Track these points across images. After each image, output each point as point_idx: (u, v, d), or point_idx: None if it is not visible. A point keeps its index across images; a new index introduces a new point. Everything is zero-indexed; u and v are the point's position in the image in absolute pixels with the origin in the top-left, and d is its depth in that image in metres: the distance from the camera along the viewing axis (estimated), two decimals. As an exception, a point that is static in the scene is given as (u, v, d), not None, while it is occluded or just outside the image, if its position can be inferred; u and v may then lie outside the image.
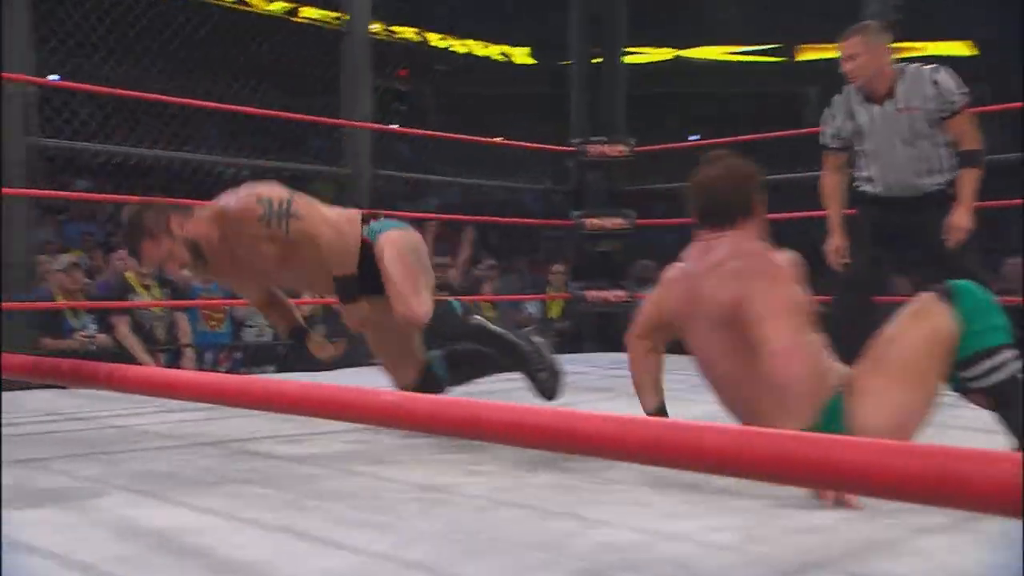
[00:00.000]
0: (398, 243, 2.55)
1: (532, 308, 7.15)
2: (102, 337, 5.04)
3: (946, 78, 3.14)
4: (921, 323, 1.89)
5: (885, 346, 1.91)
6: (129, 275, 5.23)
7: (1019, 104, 4.32)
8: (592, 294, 5.74)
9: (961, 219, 3.07)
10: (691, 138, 7.40)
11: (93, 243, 7.31)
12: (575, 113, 6.30)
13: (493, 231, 8.88)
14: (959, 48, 10.84)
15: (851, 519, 1.64)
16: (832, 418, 1.83)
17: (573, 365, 4.88)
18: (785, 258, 1.93)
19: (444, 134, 7.09)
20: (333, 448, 2.45)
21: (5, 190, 3.99)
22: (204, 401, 1.03)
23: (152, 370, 1.09)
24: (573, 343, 6.25)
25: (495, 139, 7.05)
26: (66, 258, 5.30)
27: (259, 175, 7.90)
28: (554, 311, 6.99)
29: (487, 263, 7.26)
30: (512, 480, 2.01)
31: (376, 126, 5.59)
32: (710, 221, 2.05)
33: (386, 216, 2.72)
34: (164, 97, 5.20)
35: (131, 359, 5.02)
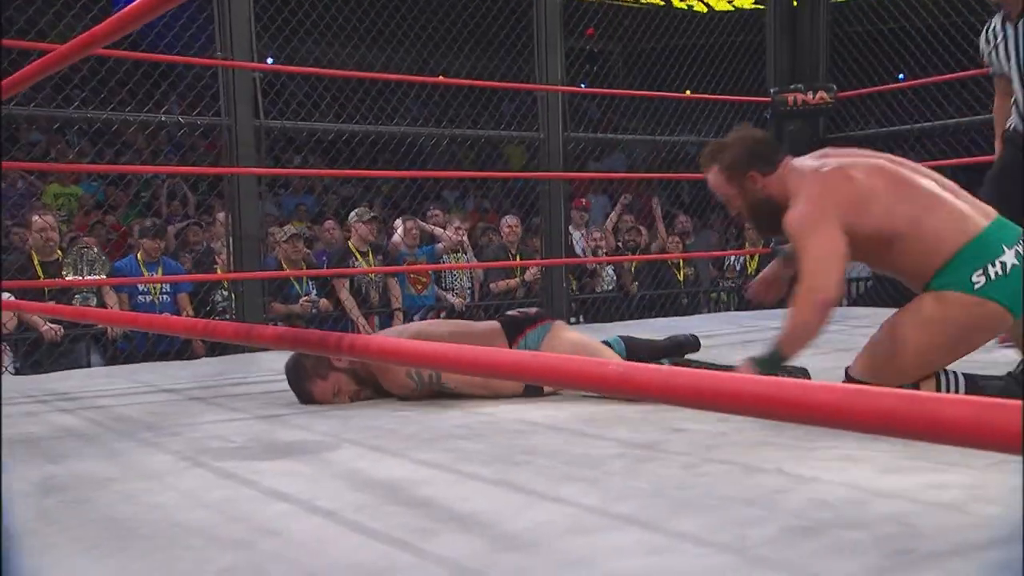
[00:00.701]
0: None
1: (732, 260, 7.00)
2: (324, 301, 5.41)
3: None
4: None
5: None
6: (351, 243, 5.57)
7: None
8: (791, 247, 5.51)
9: None
10: (899, 78, 6.91)
11: (307, 214, 7.82)
12: (771, 60, 6.04)
13: (687, 187, 8.70)
14: None
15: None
16: None
17: (774, 320, 4.75)
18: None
19: (632, 91, 7.00)
20: (540, 406, 2.52)
21: (238, 169, 4.35)
22: (429, 366, 1.10)
23: (384, 340, 1.17)
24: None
25: (683, 93, 6.87)
26: (289, 229, 5.69)
27: (456, 142, 8.14)
28: (752, 266, 6.79)
29: (680, 222, 7.15)
30: (715, 437, 1.99)
31: (567, 88, 5.60)
32: None
33: (540, 323, 2.69)
34: (363, 73, 5.46)
35: (351, 320, 5.36)
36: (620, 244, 6.86)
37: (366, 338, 1.22)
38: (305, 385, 2.67)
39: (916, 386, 2.15)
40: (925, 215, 2.10)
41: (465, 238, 6.19)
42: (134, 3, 1.29)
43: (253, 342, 1.38)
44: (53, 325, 4.52)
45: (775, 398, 0.72)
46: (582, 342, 2.74)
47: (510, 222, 6.24)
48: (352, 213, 5.71)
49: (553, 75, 5.31)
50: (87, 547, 1.40)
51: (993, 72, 3.40)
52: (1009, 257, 2.06)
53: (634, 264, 6.65)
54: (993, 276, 2.04)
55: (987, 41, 3.37)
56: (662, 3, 10.84)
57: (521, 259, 6.05)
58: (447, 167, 8.81)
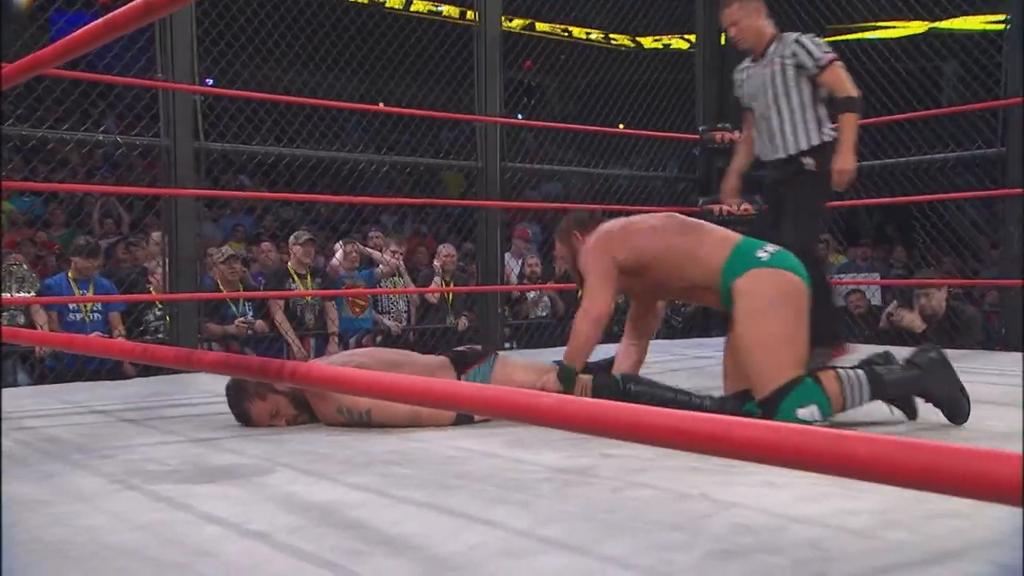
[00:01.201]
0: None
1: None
2: (260, 323, 5.34)
3: (808, 40, 3.41)
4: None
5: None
6: (289, 265, 5.52)
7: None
8: (719, 279, 5.65)
9: (845, 162, 3.28)
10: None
11: (244, 235, 7.72)
12: (700, 99, 6.21)
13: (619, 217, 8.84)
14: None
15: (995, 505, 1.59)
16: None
17: (701, 350, 4.86)
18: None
19: (568, 125, 7.11)
20: (470, 434, 2.53)
21: (176, 190, 4.28)
22: (371, 395, 1.11)
23: (326, 368, 1.18)
24: (700, 328, 6.19)
25: (617, 128, 7.00)
26: (226, 250, 5.62)
27: (396, 168, 8.13)
28: (681, 296, 6.92)
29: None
30: (644, 462, 2.03)
31: (504, 119, 5.66)
32: None
33: (485, 358, 2.76)
34: (304, 99, 5.45)
35: (285, 343, 5.30)
36: (556, 270, 6.90)
37: (308, 365, 1.22)
38: (244, 405, 2.63)
39: (816, 378, 2.37)
40: (699, 237, 2.57)
41: (401, 262, 6.19)
42: (85, 27, 1.28)
43: (193, 367, 1.37)
44: (-20, 342, 4.37)
45: (727, 437, 0.75)
46: (532, 365, 2.83)
47: (446, 250, 6.26)
48: (292, 236, 5.67)
49: (492, 106, 5.36)
50: (15, 570, 1.37)
51: (743, 105, 3.66)
52: (770, 247, 2.51)
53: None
54: (772, 252, 2.47)
55: (736, 76, 3.66)
56: (600, 40, 11.06)
57: (454, 284, 6.08)
58: (387, 192, 8.80)
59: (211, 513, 1.66)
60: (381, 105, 7.98)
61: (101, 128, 4.73)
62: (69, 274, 5.02)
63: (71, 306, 4.91)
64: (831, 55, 3.36)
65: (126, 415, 2.88)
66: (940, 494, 0.60)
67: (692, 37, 6.56)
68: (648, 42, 11.43)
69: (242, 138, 5.48)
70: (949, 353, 2.57)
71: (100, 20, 1.28)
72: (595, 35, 11.58)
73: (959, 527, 1.50)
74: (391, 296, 5.99)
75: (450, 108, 6.73)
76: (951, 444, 0.63)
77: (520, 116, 9.29)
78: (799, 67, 3.41)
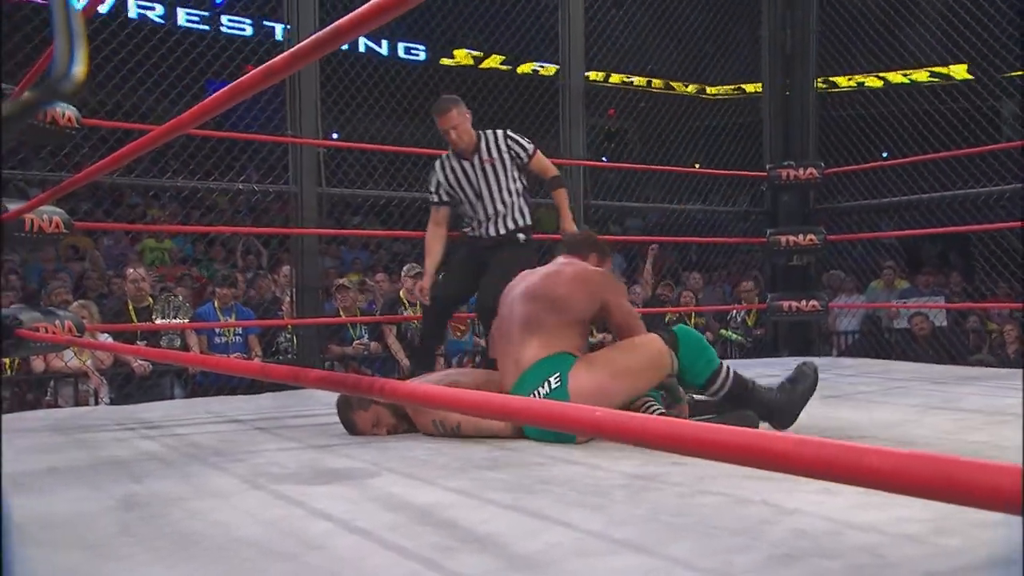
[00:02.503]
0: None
1: (735, 313, 6.96)
2: (375, 344, 5.45)
3: (513, 134, 3.53)
4: (651, 349, 2.47)
5: (624, 347, 2.52)
6: (401, 294, 5.63)
7: None
8: (788, 304, 5.49)
9: (570, 226, 3.51)
10: (883, 156, 6.89)
11: (362, 266, 7.92)
12: (767, 140, 6.08)
13: (695, 249, 8.69)
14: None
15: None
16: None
17: (769, 368, 4.71)
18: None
19: (647, 166, 7.05)
20: (554, 443, 2.51)
21: (302, 230, 4.44)
22: (453, 410, 1.12)
23: (408, 385, 1.19)
24: (770, 349, 6.01)
25: (692, 167, 6.90)
26: (343, 280, 5.77)
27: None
28: (751, 320, 6.74)
29: (693, 279, 7.12)
30: (713, 468, 1.98)
31: (588, 162, 5.66)
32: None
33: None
34: (411, 148, 5.58)
35: (396, 362, 5.39)
36: (653, 297, 6.80)
37: (395, 383, 1.24)
38: (350, 415, 2.69)
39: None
40: None
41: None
42: (213, 95, 1.35)
43: (300, 383, 1.41)
44: (143, 362, 4.61)
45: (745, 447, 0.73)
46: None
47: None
48: (404, 268, 5.78)
49: (576, 150, 5.37)
50: (159, 556, 1.43)
51: (437, 202, 3.57)
52: None
53: (668, 315, 6.61)
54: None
55: (444, 176, 3.54)
56: (677, 91, 10.97)
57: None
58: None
59: (323, 511, 1.70)
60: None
61: (242, 178, 4.94)
62: (215, 303, 5.25)
63: (217, 330, 5.12)
64: (533, 145, 3.56)
65: (257, 424, 2.98)
66: (946, 503, 0.58)
67: (758, 86, 6.43)
68: (720, 89, 11.31)
69: (358, 183, 5.64)
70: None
71: (226, 87, 1.35)
72: (674, 84, 11.51)
73: (1010, 535, 1.40)
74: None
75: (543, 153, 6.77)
76: (958, 457, 0.60)
77: (604, 159, 9.28)
78: (514, 158, 3.51)
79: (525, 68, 11.00)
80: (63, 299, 4.77)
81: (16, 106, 0.37)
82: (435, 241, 3.59)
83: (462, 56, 11.16)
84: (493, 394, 1.03)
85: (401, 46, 10.78)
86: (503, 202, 3.53)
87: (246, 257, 7.35)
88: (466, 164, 3.53)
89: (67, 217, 3.39)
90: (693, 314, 6.69)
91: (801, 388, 2.59)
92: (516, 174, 3.56)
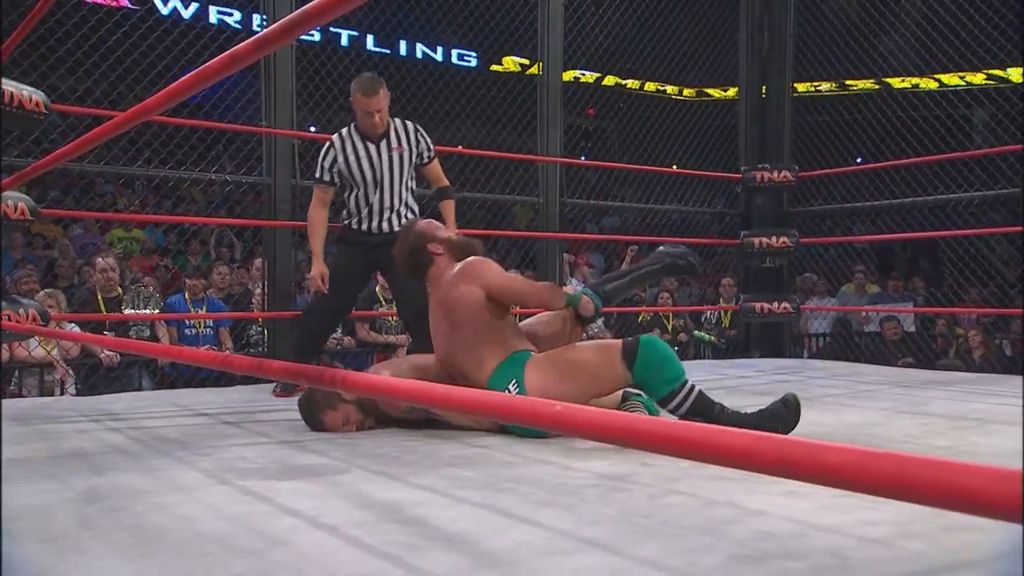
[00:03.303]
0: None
1: (709, 314, 7.01)
2: (348, 339, 5.42)
3: (424, 131, 3.44)
4: (602, 356, 2.45)
5: (577, 350, 2.52)
6: (377, 289, 5.60)
7: None
8: (760, 305, 5.54)
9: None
10: (858, 161, 6.98)
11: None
12: (743, 142, 6.12)
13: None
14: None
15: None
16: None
17: (741, 370, 4.75)
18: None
19: (624, 165, 7.08)
20: (529, 441, 2.51)
21: (275, 222, 4.39)
22: (413, 401, 1.12)
23: (370, 377, 1.18)
24: (742, 350, 6.06)
25: (670, 168, 6.94)
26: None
27: (467, 203, 8.20)
28: (726, 320, 6.80)
29: (667, 279, 7.16)
30: (679, 471, 1.99)
31: (565, 160, 5.66)
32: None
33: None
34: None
35: (369, 356, 5.36)
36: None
37: (356, 374, 1.23)
38: (318, 416, 2.66)
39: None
40: None
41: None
42: (179, 80, 1.33)
43: (263, 375, 1.39)
44: (110, 352, 4.54)
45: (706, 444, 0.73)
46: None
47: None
48: None
49: (553, 148, 5.38)
50: (119, 550, 1.40)
51: (328, 182, 3.40)
52: None
53: (641, 315, 6.64)
54: None
55: (343, 155, 3.37)
56: (655, 91, 11.05)
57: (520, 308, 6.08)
58: (462, 224, 8.86)
59: (289, 506, 1.68)
60: (460, 148, 8.06)
61: (215, 168, 4.88)
62: (186, 294, 5.18)
63: (188, 322, 5.06)
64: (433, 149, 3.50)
65: (225, 418, 2.94)
66: (943, 509, 0.57)
67: (733, 91, 6.47)
68: (695, 92, 11.40)
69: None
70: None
71: (192, 72, 1.33)
72: (649, 86, 11.59)
73: (975, 540, 1.42)
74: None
75: (518, 151, 6.76)
76: (955, 461, 0.60)
77: (584, 157, 9.29)
78: (419, 154, 3.43)
79: (567, 76, 11.17)
80: (31, 288, 4.68)
81: None
82: (323, 223, 3.43)
83: (510, 63, 11.35)
84: (457, 387, 1.03)
85: (455, 52, 11.11)
86: (400, 196, 3.38)
87: (218, 249, 7.27)
88: (371, 147, 3.35)
89: (33, 204, 3.33)
90: (671, 315, 6.73)
91: (775, 424, 2.43)
92: (412, 171, 3.45)
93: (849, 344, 6.49)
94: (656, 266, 2.94)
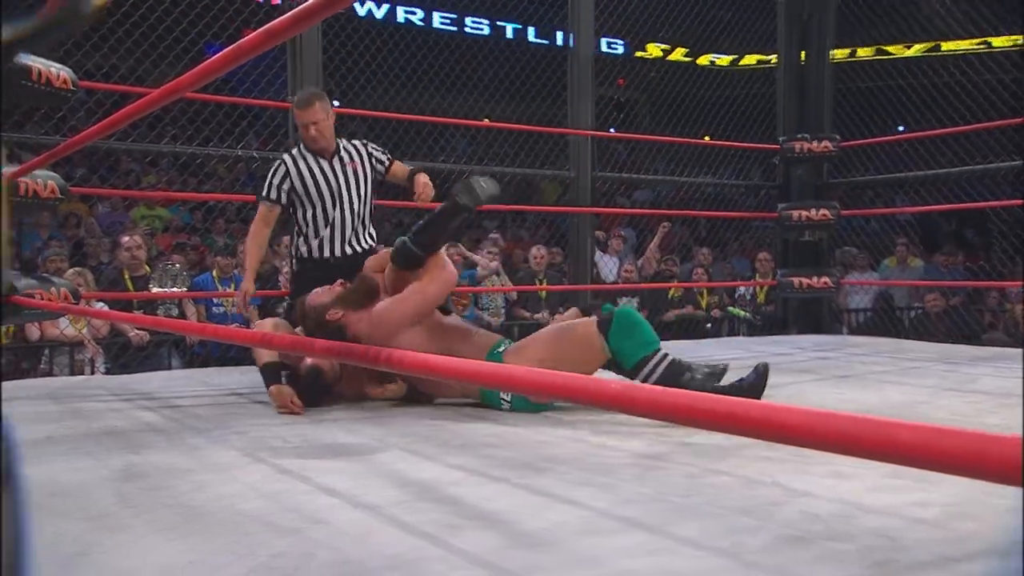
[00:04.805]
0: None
1: (744, 290, 6.95)
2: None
3: (374, 145, 3.39)
4: (579, 333, 2.55)
5: (558, 332, 2.61)
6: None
7: None
8: (799, 280, 5.48)
9: (427, 188, 3.32)
10: (899, 129, 6.85)
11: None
12: (781, 112, 6.03)
13: (704, 224, 8.67)
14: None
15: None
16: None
17: (779, 347, 4.72)
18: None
19: (655, 136, 7.01)
20: (562, 421, 2.53)
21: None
22: (461, 379, 1.13)
23: (415, 355, 1.18)
24: (779, 326, 6.01)
25: (702, 139, 6.86)
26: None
27: (497, 177, 8.22)
28: (761, 296, 6.74)
29: (702, 255, 7.11)
30: (720, 451, 1.98)
31: (596, 133, 5.62)
32: None
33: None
34: (417, 116, 5.54)
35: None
36: (656, 272, 6.79)
37: (402, 353, 1.24)
38: (328, 388, 2.78)
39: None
40: None
41: (497, 263, 6.23)
42: (212, 57, 1.34)
43: (305, 352, 1.41)
44: (140, 331, 4.62)
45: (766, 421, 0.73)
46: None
47: (537, 251, 6.27)
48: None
49: (584, 120, 5.34)
50: (159, 528, 1.44)
51: (274, 199, 3.24)
52: None
53: (671, 291, 6.60)
54: None
55: (296, 173, 3.22)
56: (687, 60, 10.92)
57: (547, 283, 6.09)
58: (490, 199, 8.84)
59: (326, 485, 1.71)
60: (486, 121, 8.04)
61: (241, 144, 4.91)
62: (214, 273, 5.24)
63: (216, 300, 5.13)
64: (387, 154, 3.43)
65: (257, 397, 2.99)
66: (942, 473, 0.58)
67: (773, 57, 6.36)
68: (729, 61, 11.27)
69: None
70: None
71: (228, 49, 1.33)
72: (680, 53, 11.48)
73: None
74: (490, 294, 6.04)
75: (548, 123, 6.73)
76: (956, 428, 0.61)
77: (613, 129, 9.22)
78: (375, 170, 3.35)
79: (703, 60, 11.20)
80: (59, 267, 4.77)
81: (32, 25, 0.36)
82: (262, 243, 3.29)
83: (653, 49, 11.52)
84: (513, 367, 1.03)
85: (604, 41, 11.41)
86: (359, 215, 3.29)
87: (245, 227, 7.33)
88: (324, 163, 3.23)
89: (63, 182, 3.38)
90: (704, 290, 6.69)
91: (751, 390, 2.55)
92: (373, 193, 3.36)
93: (891, 319, 6.41)
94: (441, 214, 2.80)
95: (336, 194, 3.25)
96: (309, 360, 2.73)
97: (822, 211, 5.43)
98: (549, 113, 6.82)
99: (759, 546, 1.31)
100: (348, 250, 3.28)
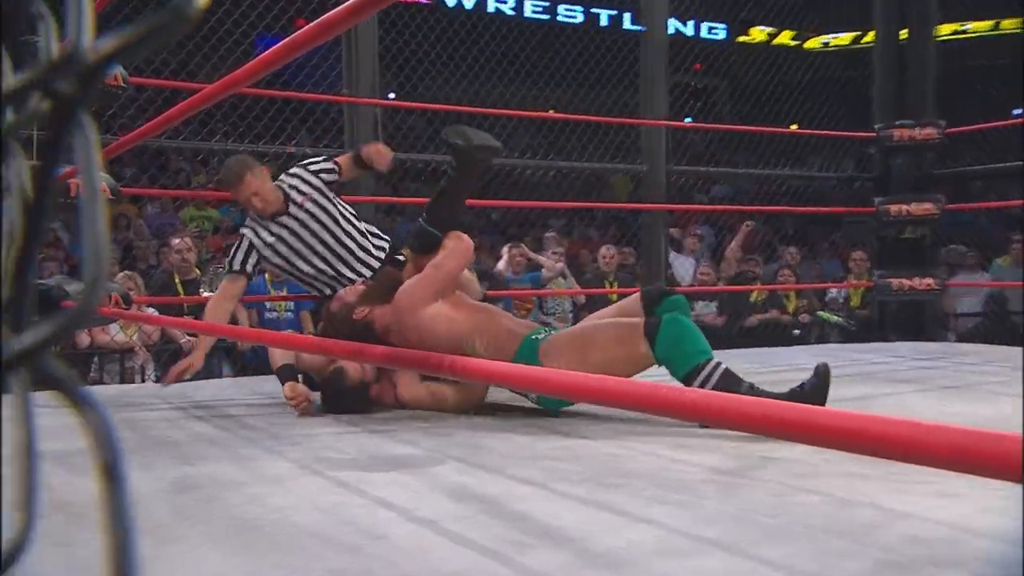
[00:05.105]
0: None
1: (835, 293, 6.80)
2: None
3: (308, 164, 3.32)
4: (624, 335, 2.55)
5: (594, 331, 2.66)
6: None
7: None
8: (898, 282, 5.34)
9: (379, 150, 3.29)
10: (1014, 113, 6.61)
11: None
12: (878, 95, 5.88)
13: (790, 220, 8.52)
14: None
15: None
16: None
17: (876, 355, 4.60)
18: None
19: (736, 126, 6.93)
20: (635, 432, 2.51)
21: (357, 198, 4.50)
22: (513, 385, 1.14)
23: (479, 362, 1.20)
24: (876, 332, 5.86)
25: (789, 128, 6.75)
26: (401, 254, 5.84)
27: (563, 174, 8.21)
28: (855, 299, 6.58)
29: (790, 255, 6.98)
30: (808, 467, 1.95)
31: (670, 123, 5.58)
32: None
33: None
34: (476, 108, 5.58)
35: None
36: (736, 274, 6.69)
37: (465, 360, 1.26)
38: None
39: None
40: None
41: (563, 264, 6.23)
42: (268, 51, 1.38)
43: (363, 359, 1.44)
44: (191, 337, 4.77)
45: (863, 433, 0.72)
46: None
47: (606, 252, 6.25)
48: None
49: (658, 110, 5.31)
50: (214, 541, 1.49)
51: (237, 271, 3.22)
52: None
53: (754, 294, 6.51)
54: None
55: (263, 242, 3.20)
56: (793, 44, 10.78)
57: (618, 286, 6.06)
58: (555, 196, 8.87)
59: (384, 499, 1.74)
60: (551, 112, 8.06)
61: (294, 141, 5.04)
62: (267, 276, 5.38)
63: (268, 304, 5.26)
64: (331, 158, 3.35)
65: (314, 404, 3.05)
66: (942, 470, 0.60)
67: (870, 36, 6.22)
68: (819, 42, 11.05)
69: (418, 147, 5.69)
70: None
71: (283, 41, 1.37)
72: (757, 34, 11.34)
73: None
74: (556, 298, 6.04)
75: (618, 113, 6.72)
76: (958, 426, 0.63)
77: (689, 119, 9.15)
78: (329, 182, 3.27)
79: (813, 43, 11.23)
80: (109, 270, 4.96)
81: (134, 33, 0.37)
82: (221, 316, 3.25)
83: (757, 33, 11.87)
84: (571, 373, 1.04)
85: (704, 26, 11.74)
86: (346, 242, 3.26)
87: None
88: (284, 219, 3.21)
89: (115, 183, 3.51)
90: (792, 293, 6.57)
91: (814, 394, 2.47)
92: (337, 201, 3.33)
93: (1005, 325, 6.19)
94: (454, 176, 2.87)
95: (310, 246, 3.24)
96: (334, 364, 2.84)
97: (925, 205, 5.28)
98: (620, 102, 6.81)
99: (855, 572, 1.29)
100: (365, 271, 3.29)
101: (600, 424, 2.59)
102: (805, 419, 0.71)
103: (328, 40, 1.43)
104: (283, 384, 2.88)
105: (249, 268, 3.25)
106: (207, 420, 2.83)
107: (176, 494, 1.81)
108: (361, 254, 3.31)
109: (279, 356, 2.92)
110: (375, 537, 1.49)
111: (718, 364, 2.49)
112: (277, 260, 3.26)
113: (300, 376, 2.95)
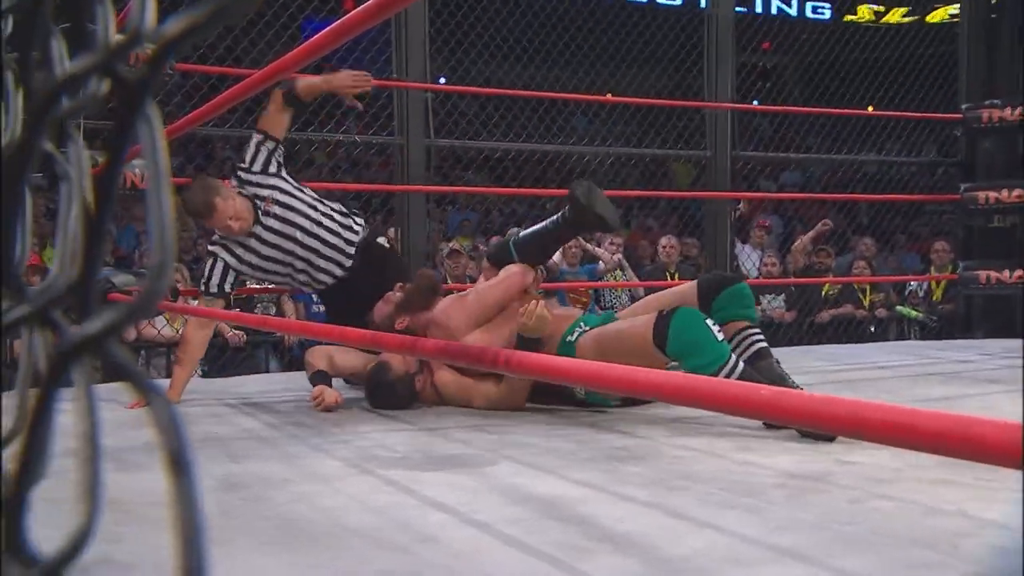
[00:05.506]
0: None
1: (915, 286, 6.65)
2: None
3: (252, 163, 3.20)
4: (639, 329, 2.60)
5: (626, 324, 2.72)
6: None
7: None
8: (985, 274, 5.21)
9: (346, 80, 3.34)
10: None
11: (472, 229, 8.02)
12: (964, 74, 5.72)
13: (865, 209, 8.34)
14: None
15: None
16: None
17: (960, 352, 4.49)
18: None
19: (807, 108, 6.80)
20: (699, 431, 2.49)
21: (407, 187, 4.54)
22: (572, 382, 1.14)
23: (536, 356, 1.20)
24: (961, 328, 5.72)
25: (865, 110, 6.61)
26: (449, 245, 5.88)
27: (622, 160, 8.17)
28: (937, 293, 6.43)
29: (865, 246, 6.84)
30: (887, 472, 1.91)
31: (736, 106, 5.51)
32: None
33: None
34: (531, 92, 5.58)
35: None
36: (806, 266, 6.58)
37: (522, 355, 1.26)
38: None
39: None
40: None
41: (621, 256, 6.19)
42: (317, 35, 1.39)
43: (416, 354, 1.45)
44: (237, 331, 4.86)
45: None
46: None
47: (667, 242, 6.19)
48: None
49: (723, 92, 5.24)
50: (261, 542, 1.51)
51: (215, 294, 3.20)
52: None
53: (826, 287, 6.39)
54: None
55: (236, 260, 3.18)
56: (872, 20, 10.59)
57: (680, 278, 6.00)
58: (612, 184, 8.82)
59: (437, 500, 1.75)
60: (608, 96, 8.01)
61: (342, 128, 5.09)
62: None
63: (314, 297, 5.33)
64: (259, 133, 3.24)
65: (360, 403, 3.09)
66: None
67: (939, 12, 6.05)
68: (901, 15, 10.79)
69: (470, 134, 5.70)
70: None
71: (333, 24, 1.38)
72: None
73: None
74: (614, 290, 6.02)
75: (680, 96, 6.65)
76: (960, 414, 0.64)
77: (756, 102, 9.02)
78: (280, 167, 3.22)
79: (939, 15, 11.07)
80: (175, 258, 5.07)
81: (197, 17, 0.38)
82: (199, 346, 3.23)
83: (864, 11, 11.96)
84: (634, 368, 1.03)
85: (809, 5, 11.74)
86: (319, 224, 3.24)
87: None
88: (256, 230, 3.19)
89: (160, 173, 3.58)
90: (868, 287, 6.44)
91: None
92: (291, 178, 3.28)
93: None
94: (560, 222, 3.05)
95: (287, 250, 3.23)
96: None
97: (1016, 192, 5.13)
98: (683, 84, 6.73)
99: (941, 585, 1.26)
100: (347, 262, 3.28)
101: (656, 424, 2.58)
102: (888, 419, 0.69)
103: (377, 23, 1.44)
104: (313, 387, 2.99)
105: (228, 288, 3.25)
106: (254, 416, 2.88)
107: (222, 492, 1.85)
108: (334, 239, 3.28)
109: (315, 361, 3.05)
110: (426, 539, 1.50)
111: (736, 363, 2.49)
112: (256, 273, 3.33)
113: (331, 382, 3.05)
